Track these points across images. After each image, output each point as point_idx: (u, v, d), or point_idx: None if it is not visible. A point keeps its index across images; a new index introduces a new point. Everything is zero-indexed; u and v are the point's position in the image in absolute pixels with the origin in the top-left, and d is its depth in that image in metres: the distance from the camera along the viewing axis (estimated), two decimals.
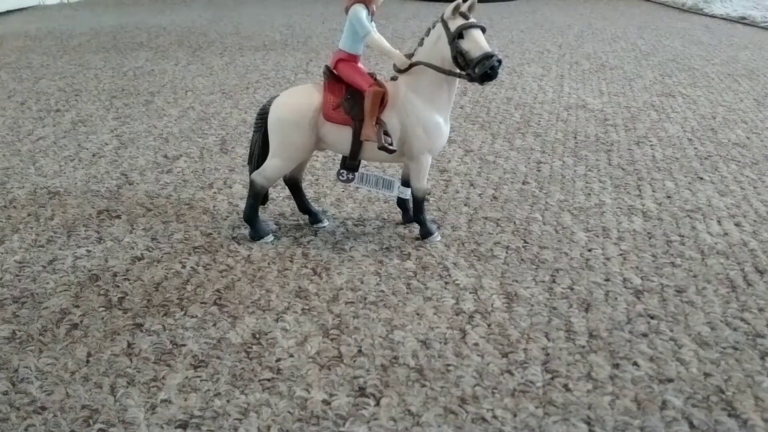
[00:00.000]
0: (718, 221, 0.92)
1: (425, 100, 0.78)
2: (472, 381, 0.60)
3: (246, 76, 1.74)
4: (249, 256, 0.81)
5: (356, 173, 0.84)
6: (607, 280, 0.77)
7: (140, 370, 0.61)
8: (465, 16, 0.75)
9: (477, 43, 0.74)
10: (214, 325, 0.68)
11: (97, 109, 1.43)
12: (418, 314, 0.70)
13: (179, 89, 1.61)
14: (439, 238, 0.86)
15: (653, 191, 1.02)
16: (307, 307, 0.71)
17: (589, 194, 1.01)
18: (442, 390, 0.59)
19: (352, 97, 0.78)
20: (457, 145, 1.22)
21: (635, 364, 0.62)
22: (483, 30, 0.75)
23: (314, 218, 0.89)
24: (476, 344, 0.65)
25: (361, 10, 0.76)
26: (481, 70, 0.73)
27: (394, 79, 0.81)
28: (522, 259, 0.81)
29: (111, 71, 1.80)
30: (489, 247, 0.84)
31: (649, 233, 0.88)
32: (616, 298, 0.73)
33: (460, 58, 0.74)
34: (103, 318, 0.69)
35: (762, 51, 2.18)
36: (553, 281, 0.76)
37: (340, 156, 0.86)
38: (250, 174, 0.83)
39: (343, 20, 0.79)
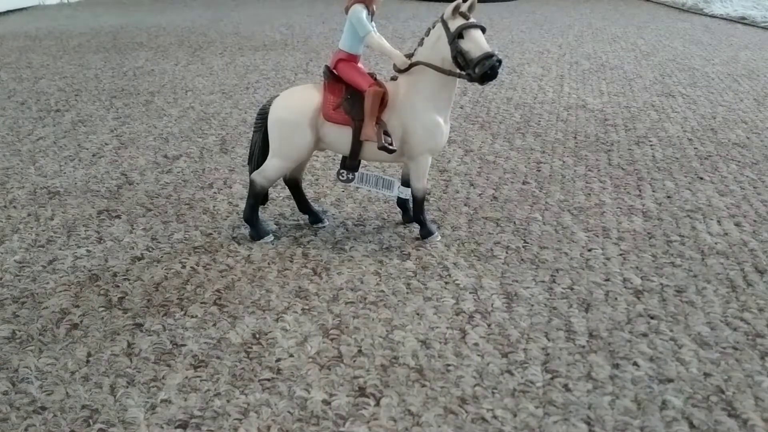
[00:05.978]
0: (718, 221, 0.92)
1: (425, 100, 0.78)
2: (472, 381, 0.60)
3: (246, 76, 1.74)
4: (249, 256, 0.81)
5: (356, 173, 0.84)
6: (607, 280, 0.77)
7: (140, 370, 0.61)
8: (465, 16, 0.75)
9: (477, 43, 0.74)
10: (214, 325, 0.68)
11: (97, 109, 1.43)
12: (418, 314, 0.70)
13: (179, 89, 1.61)
14: (439, 238, 0.86)
15: (653, 191, 1.02)
16: (307, 307, 0.71)
17: (589, 194, 1.01)
18: (442, 390, 0.59)
19: (352, 97, 0.78)
20: (457, 145, 1.22)
21: (635, 364, 0.62)
22: (483, 30, 0.75)
23: (314, 218, 0.89)
24: (476, 344, 0.65)
25: (361, 10, 0.76)
26: (481, 70, 0.72)
27: (394, 79, 0.81)
28: (522, 259, 0.81)
29: (111, 71, 1.80)
30: (489, 247, 0.84)
31: (649, 233, 0.88)
32: (616, 298, 0.73)
33: (460, 58, 0.74)
34: (103, 318, 0.69)
35: (762, 51, 2.19)
36: (553, 281, 0.76)
37: (340, 156, 0.86)
38: (250, 174, 0.83)
39: (343, 20, 0.79)
